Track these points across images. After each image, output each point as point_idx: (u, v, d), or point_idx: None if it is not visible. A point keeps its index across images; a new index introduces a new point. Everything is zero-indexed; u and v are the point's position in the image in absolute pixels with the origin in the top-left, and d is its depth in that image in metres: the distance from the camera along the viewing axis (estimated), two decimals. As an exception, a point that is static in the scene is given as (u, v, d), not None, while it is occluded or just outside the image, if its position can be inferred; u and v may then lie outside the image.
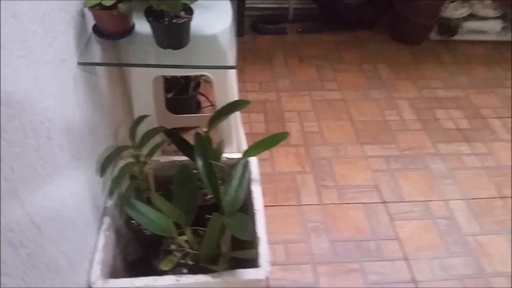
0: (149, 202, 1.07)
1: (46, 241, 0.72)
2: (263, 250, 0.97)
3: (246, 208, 1.09)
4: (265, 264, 0.94)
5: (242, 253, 0.91)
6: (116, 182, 0.95)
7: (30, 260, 0.65)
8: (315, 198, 1.52)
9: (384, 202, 1.52)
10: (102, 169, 0.94)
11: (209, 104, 1.82)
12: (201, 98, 1.82)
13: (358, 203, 1.51)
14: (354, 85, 2.03)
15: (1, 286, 0.57)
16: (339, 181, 1.58)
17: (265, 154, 1.63)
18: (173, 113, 1.59)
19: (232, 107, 0.99)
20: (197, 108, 1.77)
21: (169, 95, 1.60)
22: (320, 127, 1.80)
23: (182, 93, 1.63)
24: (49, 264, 0.73)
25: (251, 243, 1.00)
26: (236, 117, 1.22)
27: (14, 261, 0.61)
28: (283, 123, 1.80)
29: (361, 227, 1.44)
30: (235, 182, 1.01)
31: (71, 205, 0.84)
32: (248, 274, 0.93)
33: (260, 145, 1.08)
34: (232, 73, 1.19)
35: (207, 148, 0.98)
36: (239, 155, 1.19)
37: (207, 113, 1.78)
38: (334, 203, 1.51)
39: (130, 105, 1.24)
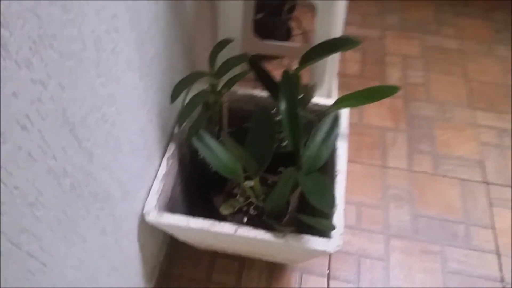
0: (219, 136, 0.96)
1: (97, 169, 0.63)
2: (339, 220, 0.83)
3: (325, 166, 0.94)
4: (337, 237, 0.81)
5: (314, 221, 0.77)
6: (187, 109, 0.83)
7: (74, 191, 0.57)
8: (404, 162, 1.32)
9: (486, 183, 1.29)
10: (175, 94, 0.82)
11: (300, 32, 1.61)
12: (293, 24, 1.61)
13: (455, 178, 1.30)
14: (477, 36, 1.70)
15: (35, 217, 0.49)
16: (438, 148, 1.36)
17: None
18: (259, 36, 1.41)
19: (336, 45, 0.80)
20: (287, 35, 1.57)
21: (259, 16, 1.41)
22: (426, 79, 1.53)
23: (273, 15, 1.44)
24: (97, 194, 0.64)
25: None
26: (335, 57, 1.03)
27: (54, 192, 0.52)
28: (382, 68, 1.56)
29: (453, 206, 1.24)
30: (320, 136, 0.85)
31: (135, 129, 0.75)
32: (316, 243, 0.80)
33: (358, 97, 0.89)
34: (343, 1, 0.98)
35: (294, 91, 0.82)
36: (328, 102, 1.02)
37: (298, 42, 1.58)
38: (426, 173, 1.30)
39: (214, 27, 1.08)
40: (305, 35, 1.61)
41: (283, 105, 0.82)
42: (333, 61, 1.03)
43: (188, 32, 0.98)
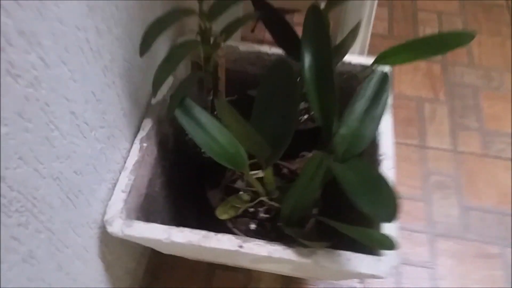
0: (214, 108, 0.69)
1: (8, 159, 0.36)
2: (392, 229, 0.57)
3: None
4: (391, 255, 0.54)
5: (361, 234, 0.51)
6: (166, 66, 0.56)
7: None
8: (447, 141, 1.05)
9: (550, 165, 1.03)
10: (145, 42, 0.54)
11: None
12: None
13: (510, 159, 1.04)
14: (524, -12, 1.41)
15: None
16: (486, 123, 1.09)
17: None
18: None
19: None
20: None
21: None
22: (468, 40, 1.26)
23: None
24: (11, 202, 0.38)
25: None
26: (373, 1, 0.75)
27: None
28: (414, 26, 1.28)
29: (510, 194, 0.98)
30: (361, 105, 0.58)
31: (82, 94, 0.48)
32: (361, 264, 0.54)
33: (413, 49, 0.61)
34: None
35: (326, 36, 0.54)
36: (365, 61, 0.74)
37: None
38: (475, 153, 1.04)
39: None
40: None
41: (308, 59, 0.55)
42: (372, 6, 0.75)
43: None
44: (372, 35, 1.21)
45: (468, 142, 1.05)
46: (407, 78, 1.15)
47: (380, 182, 0.49)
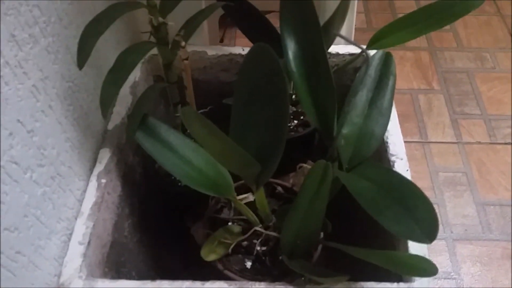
0: (185, 129, 0.57)
1: None
2: (421, 248, 0.45)
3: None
4: (423, 281, 0.43)
5: (385, 258, 0.39)
6: (113, 79, 0.44)
7: None
8: (450, 133, 0.96)
9: None
10: (82, 50, 0.42)
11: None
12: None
13: (521, 144, 0.94)
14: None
15: None
16: (488, 108, 1.00)
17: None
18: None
19: None
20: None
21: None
22: (452, 23, 1.17)
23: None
24: None
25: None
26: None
27: None
28: (393, 15, 1.19)
29: (528, 183, 0.89)
30: (363, 96, 0.48)
31: (6, 123, 0.35)
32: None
33: (412, 23, 0.51)
34: None
35: (313, 15, 0.43)
36: (356, 50, 0.64)
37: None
38: (481, 143, 0.94)
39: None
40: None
41: (292, 47, 0.43)
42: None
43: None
44: (351, 29, 1.11)
45: (472, 131, 0.96)
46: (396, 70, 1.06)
47: (407, 190, 0.38)
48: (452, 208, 0.85)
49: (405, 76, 1.05)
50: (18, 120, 0.39)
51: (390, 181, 0.40)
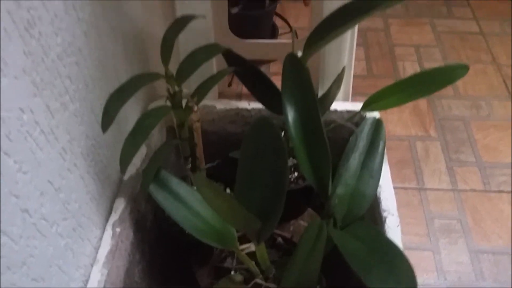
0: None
1: None
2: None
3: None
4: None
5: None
6: (132, 142, 0.49)
7: None
8: (446, 180, 1.00)
9: (556, 195, 0.98)
10: (107, 115, 0.48)
11: (289, 30, 1.30)
12: (279, 22, 1.30)
13: (515, 192, 0.98)
14: (495, 13, 1.41)
15: None
16: (483, 155, 1.04)
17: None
18: (237, 36, 1.08)
19: (367, 4, 0.47)
20: (272, 33, 1.25)
21: (235, 10, 1.09)
22: (449, 71, 1.23)
23: (253, 8, 1.12)
24: None
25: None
26: (353, 40, 0.71)
27: None
28: (393, 62, 1.25)
29: (521, 231, 0.92)
30: (356, 159, 0.52)
31: (39, 184, 0.40)
32: None
33: (404, 90, 0.57)
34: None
35: (309, 86, 0.48)
36: (352, 107, 0.69)
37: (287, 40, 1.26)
38: (476, 190, 0.98)
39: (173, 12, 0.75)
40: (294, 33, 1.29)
41: (291, 114, 0.49)
42: (351, 43, 0.71)
43: (134, 28, 0.65)
44: (353, 76, 1.17)
45: (467, 179, 1.00)
46: (394, 118, 1.11)
47: (391, 251, 0.42)
48: (447, 255, 0.88)
49: (403, 123, 1.10)
50: (48, 181, 0.44)
51: (377, 242, 0.44)
